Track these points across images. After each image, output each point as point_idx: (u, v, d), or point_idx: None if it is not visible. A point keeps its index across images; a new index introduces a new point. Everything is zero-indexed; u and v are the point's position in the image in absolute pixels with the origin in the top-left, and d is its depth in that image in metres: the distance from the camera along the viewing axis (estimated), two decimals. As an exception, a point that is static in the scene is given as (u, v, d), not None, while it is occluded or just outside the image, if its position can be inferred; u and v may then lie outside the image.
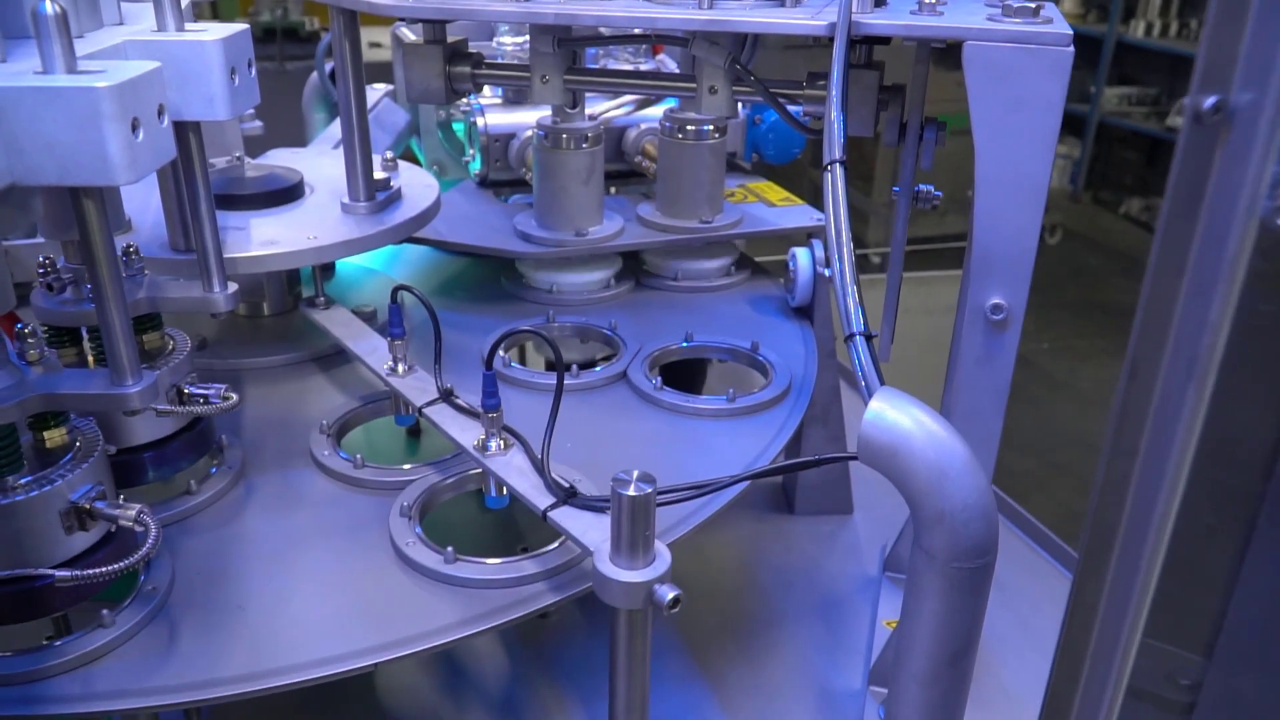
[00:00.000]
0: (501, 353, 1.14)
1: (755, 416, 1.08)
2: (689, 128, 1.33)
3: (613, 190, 1.56)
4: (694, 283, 1.38)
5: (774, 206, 1.46)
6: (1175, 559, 0.55)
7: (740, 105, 1.53)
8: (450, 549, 0.82)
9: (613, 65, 1.51)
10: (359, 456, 0.94)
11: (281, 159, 1.31)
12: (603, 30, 1.11)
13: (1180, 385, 0.51)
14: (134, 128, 0.61)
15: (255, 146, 1.35)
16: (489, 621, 0.79)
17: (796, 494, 1.43)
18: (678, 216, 1.37)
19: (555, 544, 0.84)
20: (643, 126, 1.48)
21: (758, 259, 1.50)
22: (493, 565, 0.82)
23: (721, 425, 1.06)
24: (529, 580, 0.82)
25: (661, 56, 1.63)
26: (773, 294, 1.38)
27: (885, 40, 0.93)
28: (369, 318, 1.17)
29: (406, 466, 0.95)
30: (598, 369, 1.14)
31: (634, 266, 1.40)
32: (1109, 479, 0.55)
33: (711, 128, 1.34)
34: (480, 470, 0.88)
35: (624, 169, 1.53)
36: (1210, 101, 0.46)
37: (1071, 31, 0.83)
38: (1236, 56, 0.46)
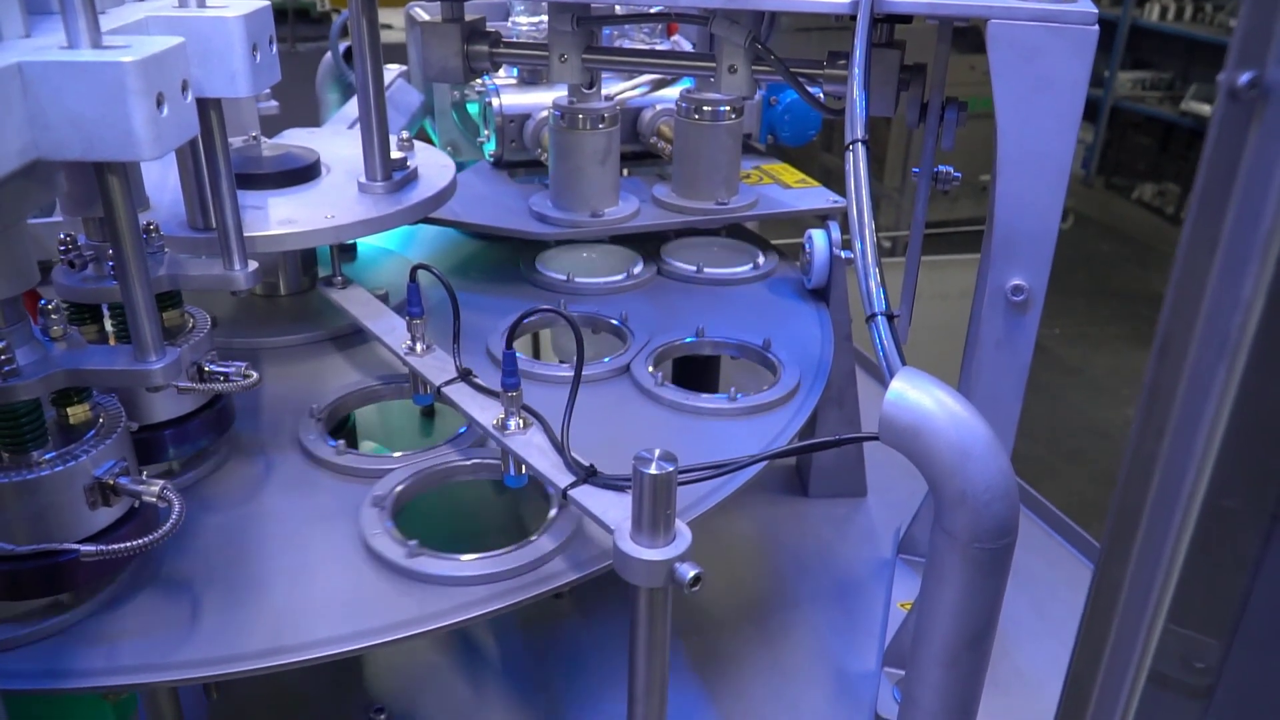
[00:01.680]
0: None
1: (758, 417, 1.06)
2: (705, 108, 1.33)
3: (626, 172, 1.56)
4: (715, 271, 1.37)
5: (790, 189, 1.46)
6: (1202, 541, 0.55)
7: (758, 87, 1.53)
8: (415, 542, 0.82)
9: (629, 46, 1.50)
10: (341, 443, 0.95)
11: (297, 139, 1.31)
12: (618, 8, 1.11)
13: (1211, 364, 0.51)
14: (159, 103, 0.61)
15: (271, 126, 1.35)
16: (508, 599, 0.79)
17: (811, 477, 1.43)
18: (694, 198, 1.36)
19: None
20: (658, 108, 1.47)
21: (774, 241, 1.49)
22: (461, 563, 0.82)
23: (724, 425, 1.05)
24: (547, 558, 0.82)
25: (676, 37, 1.63)
26: (789, 276, 1.37)
27: (908, 19, 0.93)
28: (381, 300, 1.17)
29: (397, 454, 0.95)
30: (605, 360, 1.13)
31: (654, 252, 1.40)
32: (1137, 458, 0.55)
33: (728, 108, 1.33)
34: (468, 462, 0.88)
35: (639, 150, 1.52)
36: (1246, 77, 0.46)
37: (1096, 10, 0.82)
38: (1273, 32, 0.45)
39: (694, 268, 1.34)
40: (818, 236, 1.29)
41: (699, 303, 1.29)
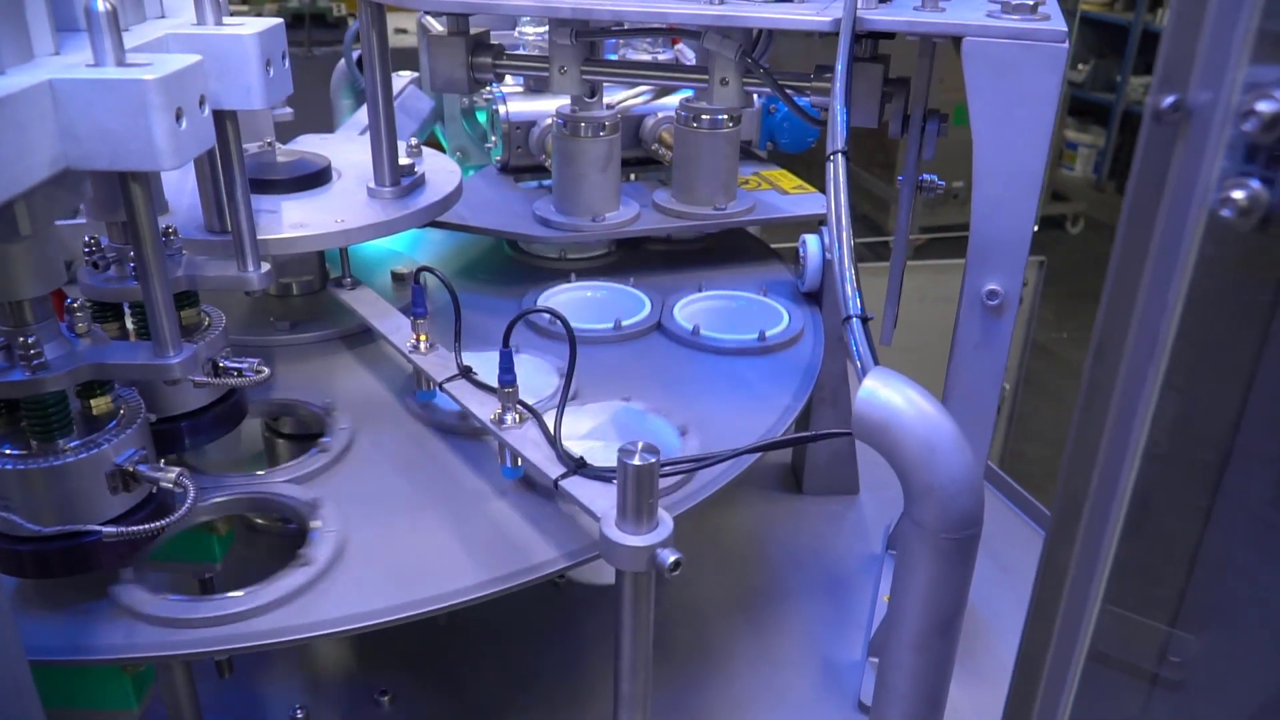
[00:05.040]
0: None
1: (785, 352, 1.19)
2: (704, 117, 1.37)
3: (633, 177, 1.60)
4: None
5: (787, 194, 1.50)
6: (1140, 528, 0.59)
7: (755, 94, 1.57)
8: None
9: (632, 55, 1.55)
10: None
11: (310, 145, 1.36)
12: (615, 25, 1.15)
13: (1143, 364, 0.55)
14: (178, 117, 0.66)
15: (285, 132, 1.40)
16: (502, 584, 0.84)
17: (805, 475, 1.48)
18: (692, 203, 1.41)
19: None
20: (660, 115, 1.52)
21: (772, 245, 1.54)
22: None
23: (756, 361, 1.18)
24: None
25: (680, 47, 1.67)
26: (784, 279, 1.42)
27: (890, 35, 0.97)
28: (405, 279, 1.25)
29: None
30: (638, 319, 1.24)
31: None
32: (1078, 449, 0.59)
33: (726, 117, 1.38)
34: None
35: (642, 156, 1.57)
36: (1169, 100, 0.50)
37: (1066, 29, 0.86)
38: (1194, 59, 0.49)
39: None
40: (811, 241, 1.33)
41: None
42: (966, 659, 0.91)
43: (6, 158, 0.59)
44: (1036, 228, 0.90)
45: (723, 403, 1.10)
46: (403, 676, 1.14)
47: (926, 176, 1.09)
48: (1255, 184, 0.45)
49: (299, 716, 1.08)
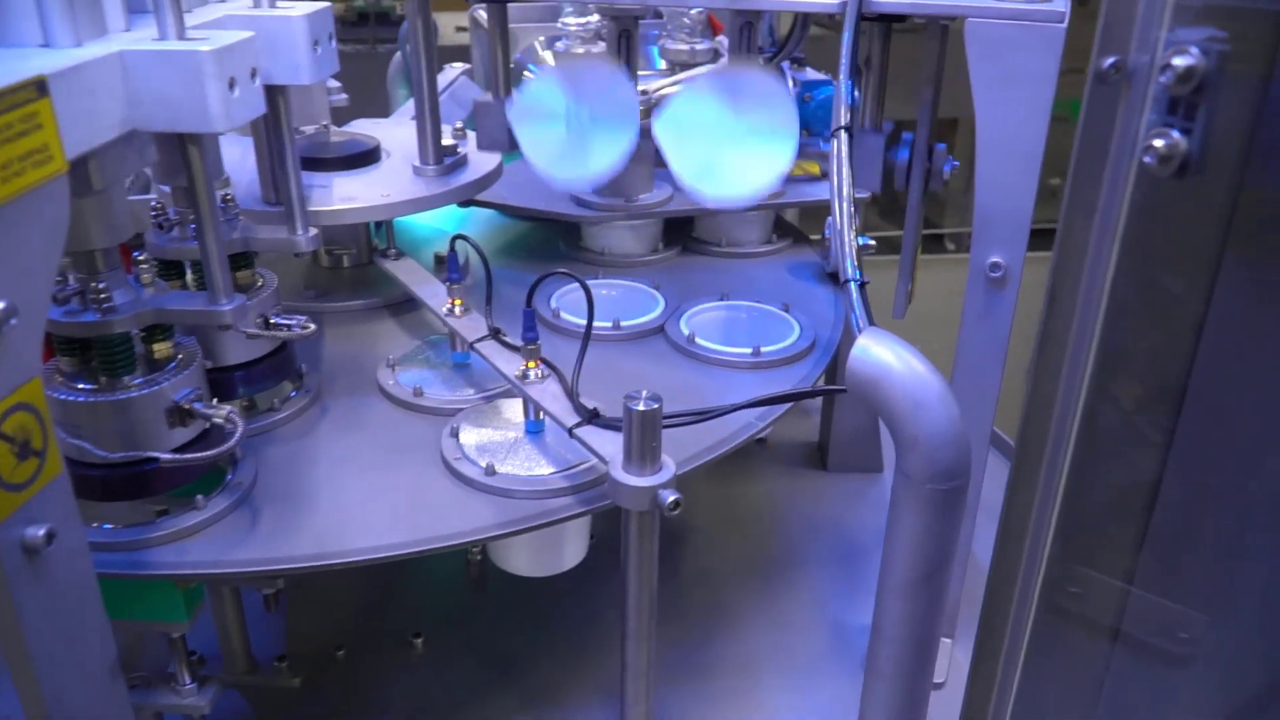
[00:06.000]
0: (553, 304, 1.26)
1: (780, 369, 1.16)
2: (735, 103, 1.43)
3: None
4: (736, 249, 1.48)
5: (817, 180, 1.55)
6: (1092, 473, 0.63)
7: (790, 84, 1.62)
8: (490, 463, 0.94)
9: (670, 44, 1.61)
10: (418, 386, 1.07)
11: (363, 128, 1.44)
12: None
13: (1093, 312, 0.60)
14: (231, 85, 0.73)
15: (341, 117, 1.49)
16: (520, 525, 0.91)
17: (830, 451, 1.52)
18: (723, 186, 1.46)
19: (583, 464, 0.95)
20: (696, 103, 1.58)
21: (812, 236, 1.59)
22: (525, 477, 0.94)
23: (747, 376, 1.16)
24: (557, 494, 0.94)
25: (720, 37, 1.73)
26: (811, 261, 1.47)
27: (900, 18, 1.02)
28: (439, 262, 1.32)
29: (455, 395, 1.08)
30: (641, 321, 1.25)
31: (683, 235, 1.51)
32: (1036, 395, 0.64)
33: (757, 103, 1.43)
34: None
35: (679, 143, 1.62)
36: (1109, 61, 0.55)
37: (1065, 10, 0.90)
38: (1133, 21, 0.54)
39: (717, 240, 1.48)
40: (836, 223, 1.38)
41: (724, 278, 1.40)
42: (973, 618, 0.95)
43: (81, 118, 0.68)
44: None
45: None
46: (435, 621, 1.21)
47: (940, 146, 1.13)
48: (1175, 134, 0.50)
49: (339, 653, 1.16)
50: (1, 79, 0.60)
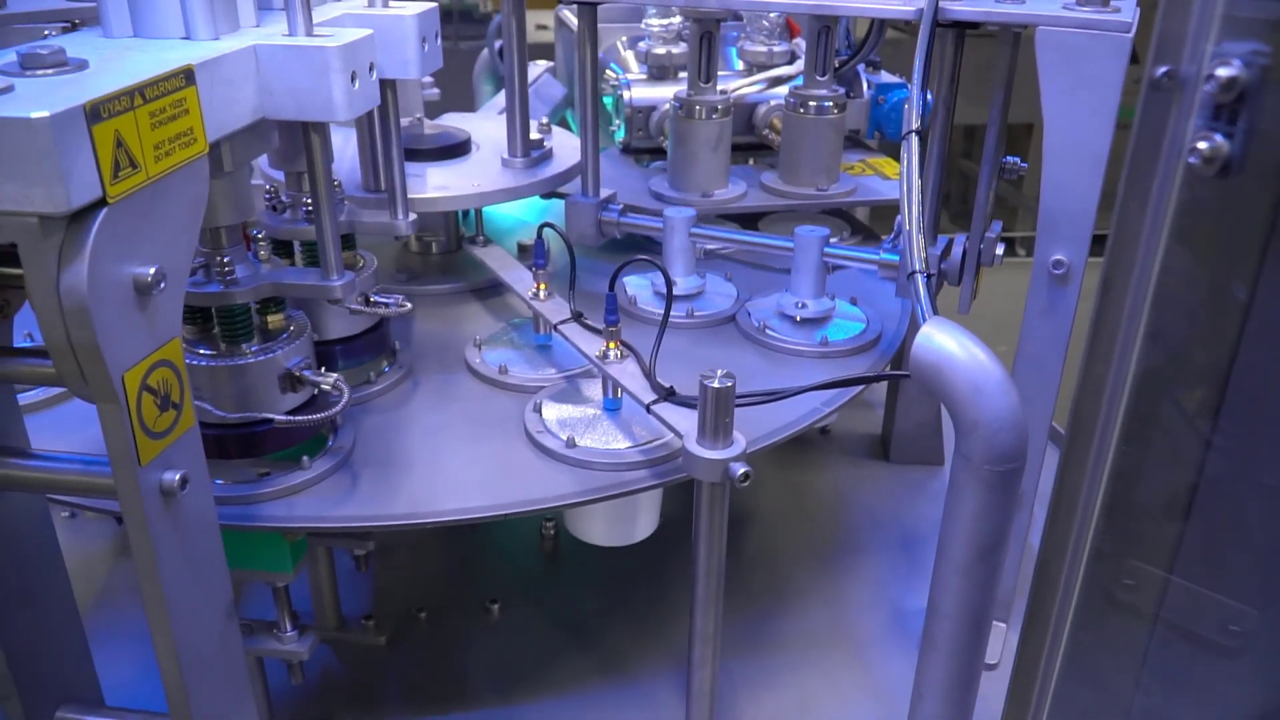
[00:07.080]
0: (629, 291, 1.32)
1: (847, 359, 1.21)
2: (810, 103, 1.47)
3: (750, 161, 1.71)
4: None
5: (889, 180, 1.59)
6: (1140, 457, 0.67)
7: (865, 86, 1.67)
8: (571, 436, 1.01)
9: (749, 46, 1.67)
10: (504, 364, 1.15)
11: (454, 121, 1.52)
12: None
13: (1141, 300, 0.64)
14: (353, 78, 0.81)
15: (432, 110, 1.57)
16: (597, 494, 0.97)
17: (892, 444, 1.56)
18: (796, 184, 1.51)
19: (657, 439, 1.01)
20: (772, 103, 1.63)
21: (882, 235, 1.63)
22: (603, 450, 1.00)
23: (815, 364, 1.21)
24: (633, 467, 1.00)
25: (798, 40, 1.77)
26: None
27: (973, 25, 1.06)
28: (529, 249, 1.35)
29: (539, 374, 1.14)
30: (714, 311, 1.30)
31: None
32: (1088, 379, 0.68)
33: (832, 104, 1.48)
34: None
35: (755, 142, 1.68)
36: (1162, 70, 0.59)
37: (1132, 20, 0.94)
38: (1185, 33, 0.58)
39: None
40: (905, 222, 1.42)
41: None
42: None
43: (220, 105, 0.76)
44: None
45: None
46: (511, 588, 1.29)
47: (1009, 159, 1.17)
48: (1218, 138, 0.54)
49: (421, 615, 1.24)
50: (154, 68, 0.68)
